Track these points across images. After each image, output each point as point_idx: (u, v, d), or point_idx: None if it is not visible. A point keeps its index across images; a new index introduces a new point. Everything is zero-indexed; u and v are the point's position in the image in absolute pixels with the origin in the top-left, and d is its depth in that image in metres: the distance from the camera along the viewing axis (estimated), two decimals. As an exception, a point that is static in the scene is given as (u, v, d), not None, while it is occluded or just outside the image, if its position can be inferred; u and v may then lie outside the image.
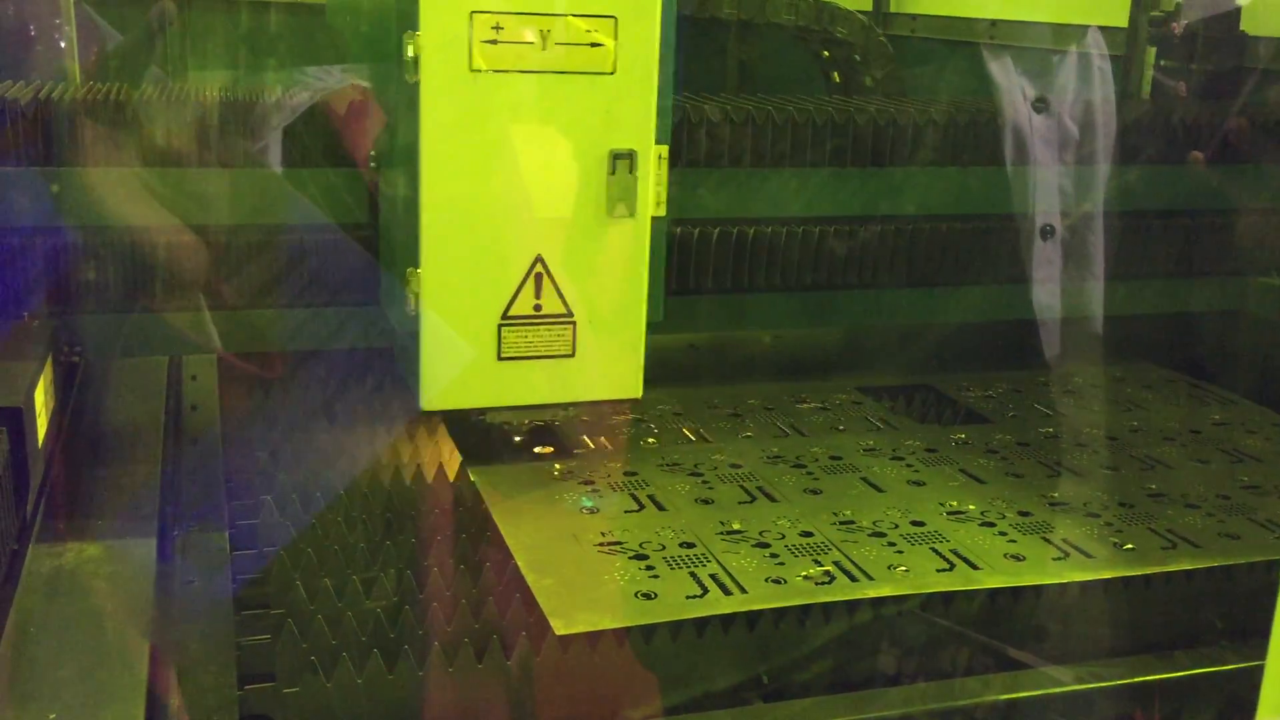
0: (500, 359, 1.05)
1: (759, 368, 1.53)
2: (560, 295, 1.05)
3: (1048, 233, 1.35)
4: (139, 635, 0.87)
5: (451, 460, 1.20)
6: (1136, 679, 0.96)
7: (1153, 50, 1.61)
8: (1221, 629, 1.03)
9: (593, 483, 1.15)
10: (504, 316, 1.05)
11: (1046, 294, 1.39)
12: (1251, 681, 0.98)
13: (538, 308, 1.05)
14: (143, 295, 1.18)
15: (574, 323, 1.06)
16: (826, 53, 1.66)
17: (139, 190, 1.14)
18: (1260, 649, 0.99)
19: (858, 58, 1.63)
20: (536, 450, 1.21)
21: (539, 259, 1.04)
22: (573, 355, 1.07)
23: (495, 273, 1.04)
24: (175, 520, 1.10)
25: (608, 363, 1.08)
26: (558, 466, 1.18)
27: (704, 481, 1.16)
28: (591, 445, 1.24)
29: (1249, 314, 1.57)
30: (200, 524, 1.09)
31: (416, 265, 1.02)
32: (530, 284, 1.04)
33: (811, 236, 1.34)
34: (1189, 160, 1.46)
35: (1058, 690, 0.94)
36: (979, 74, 1.42)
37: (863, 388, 1.48)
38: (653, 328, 1.11)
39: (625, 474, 1.17)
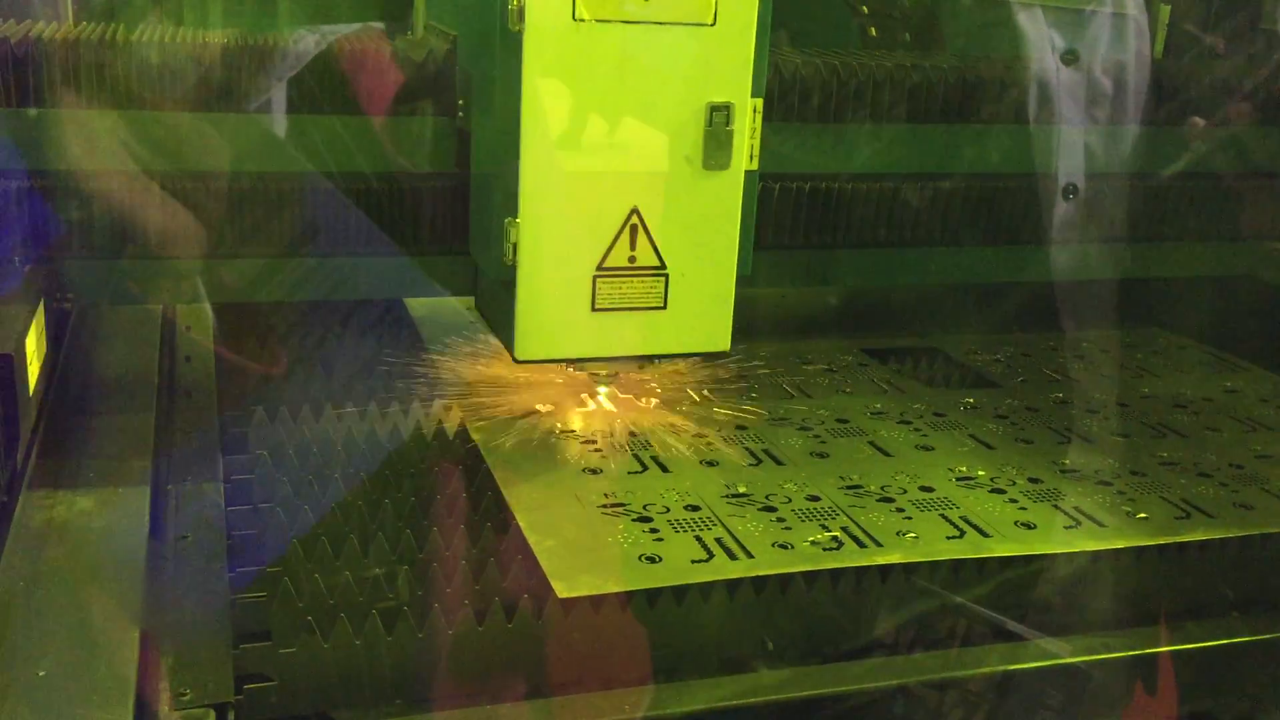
0: (594, 310, 1.04)
1: (760, 328, 1.50)
2: (654, 248, 1.04)
3: (1070, 192, 1.32)
4: (131, 591, 0.85)
5: (452, 417, 1.18)
6: (1146, 650, 0.95)
7: (1167, 9, 1.57)
8: (1233, 600, 1.01)
9: (595, 442, 1.13)
10: (599, 268, 1.03)
11: (1065, 255, 1.36)
12: (1263, 653, 0.97)
13: (632, 259, 1.04)
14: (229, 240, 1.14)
15: (667, 275, 1.05)
16: (865, 7, 1.62)
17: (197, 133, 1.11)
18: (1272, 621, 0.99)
19: (895, 15, 1.58)
20: (538, 407, 1.19)
21: (635, 211, 1.03)
22: (664, 308, 1.06)
23: (592, 224, 1.03)
24: (169, 472, 1.08)
25: (697, 316, 1.07)
26: (559, 424, 1.15)
27: (709, 443, 1.14)
28: (593, 404, 1.22)
29: (1258, 279, 1.54)
30: (194, 477, 1.07)
31: (514, 215, 1.01)
32: (625, 236, 1.03)
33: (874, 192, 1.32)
34: (1194, 123, 1.43)
35: (1066, 661, 0.92)
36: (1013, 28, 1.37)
37: (868, 349, 1.46)
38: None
39: (628, 434, 1.15)
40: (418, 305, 1.46)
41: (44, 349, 1.13)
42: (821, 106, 1.28)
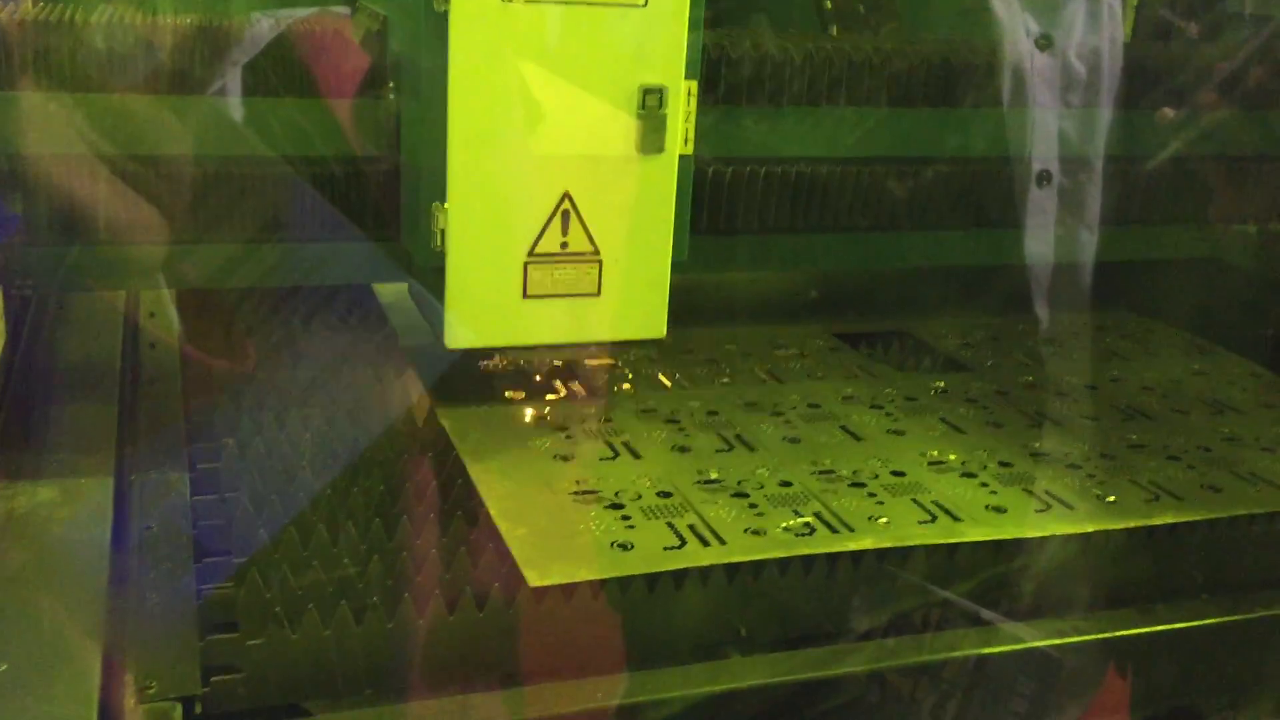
0: (525, 297, 1.03)
1: (737, 311, 1.50)
2: (587, 233, 1.03)
3: (1044, 179, 1.32)
4: (94, 584, 0.84)
5: (420, 403, 1.17)
6: (1117, 633, 0.95)
7: (1135, -8, 1.57)
8: (1202, 582, 1.02)
9: (566, 428, 1.12)
10: (530, 254, 1.02)
11: (1039, 240, 1.36)
12: (1232, 636, 0.98)
13: (564, 245, 1.03)
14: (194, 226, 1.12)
15: (600, 261, 1.04)
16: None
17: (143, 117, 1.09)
18: (1241, 603, 1.00)
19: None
20: (508, 394, 1.18)
21: (566, 195, 1.02)
22: (598, 294, 1.05)
23: (522, 209, 1.02)
24: (133, 462, 1.06)
25: (632, 302, 1.06)
26: (530, 411, 1.15)
27: (681, 429, 1.13)
28: (563, 390, 1.21)
29: (1224, 262, 1.55)
30: (159, 467, 1.05)
31: (442, 200, 0.99)
32: (557, 221, 1.02)
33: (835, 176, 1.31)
34: (1163, 114, 1.43)
35: (1037, 644, 0.93)
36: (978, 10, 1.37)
37: (839, 334, 1.45)
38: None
39: (600, 420, 1.14)
40: (386, 291, 1.45)
41: (3, 337, 1.11)
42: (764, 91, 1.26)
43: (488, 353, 1.19)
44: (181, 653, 0.80)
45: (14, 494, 0.96)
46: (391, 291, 1.42)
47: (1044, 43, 1.27)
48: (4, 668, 0.75)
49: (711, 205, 1.24)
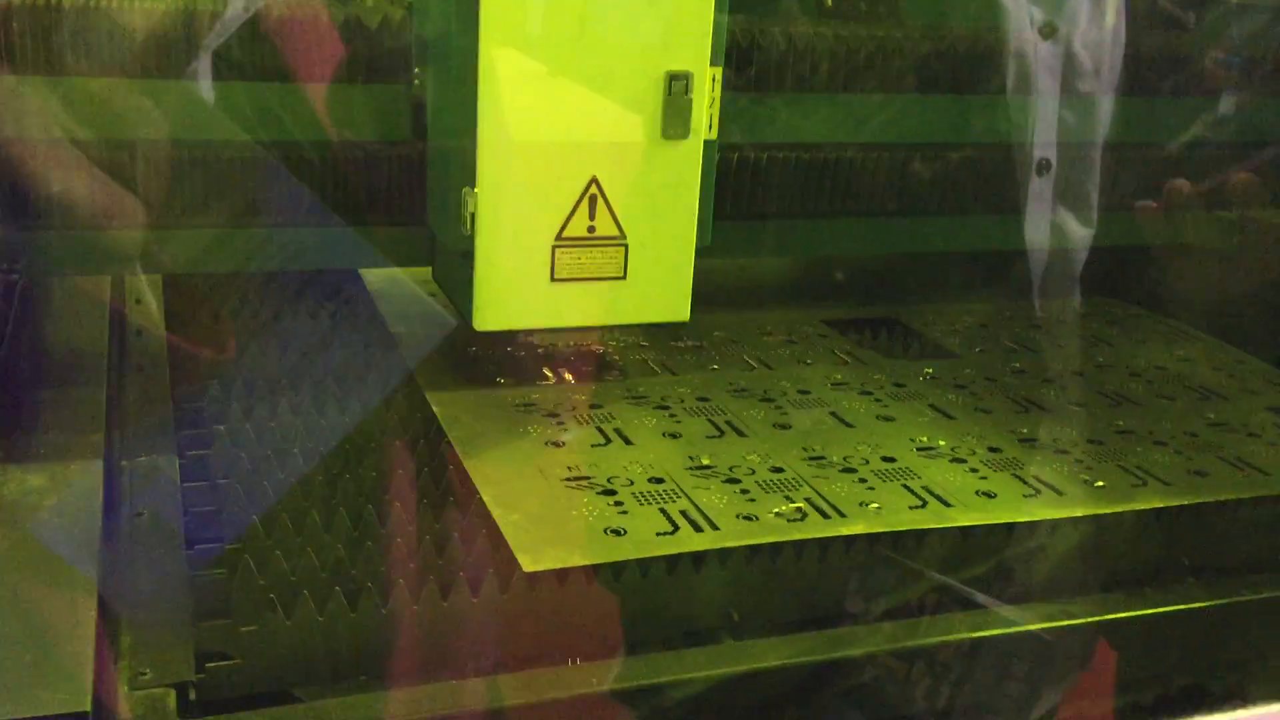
0: (553, 280, 1.04)
1: (724, 297, 1.50)
2: (614, 217, 1.04)
3: (1044, 167, 1.33)
4: (86, 570, 0.84)
5: (411, 387, 1.16)
6: (1106, 616, 0.96)
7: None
8: (1189, 566, 1.03)
9: (557, 415, 1.12)
10: (558, 238, 1.03)
11: (1032, 227, 1.37)
12: (1219, 619, 0.99)
13: (591, 229, 1.04)
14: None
15: (626, 245, 1.05)
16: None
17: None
18: (1228, 586, 1.00)
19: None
20: (499, 381, 1.18)
21: (594, 180, 1.03)
22: (624, 278, 1.06)
23: (550, 194, 1.03)
24: (123, 448, 1.06)
25: (657, 286, 1.08)
26: (520, 397, 1.15)
27: (671, 415, 1.14)
28: (552, 376, 1.21)
29: (1203, 248, 1.56)
30: (149, 453, 1.05)
31: (472, 185, 1.00)
32: (585, 205, 1.03)
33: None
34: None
35: (1027, 628, 0.93)
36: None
37: (828, 320, 1.46)
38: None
39: (590, 406, 1.14)
40: (374, 278, 1.44)
41: (-11, 322, 1.10)
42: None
43: (476, 339, 1.19)
44: (175, 639, 0.80)
45: (4, 479, 0.95)
46: (380, 277, 1.42)
47: (1048, 31, 1.27)
48: (-4, 655, 0.75)
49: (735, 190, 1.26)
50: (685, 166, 1.06)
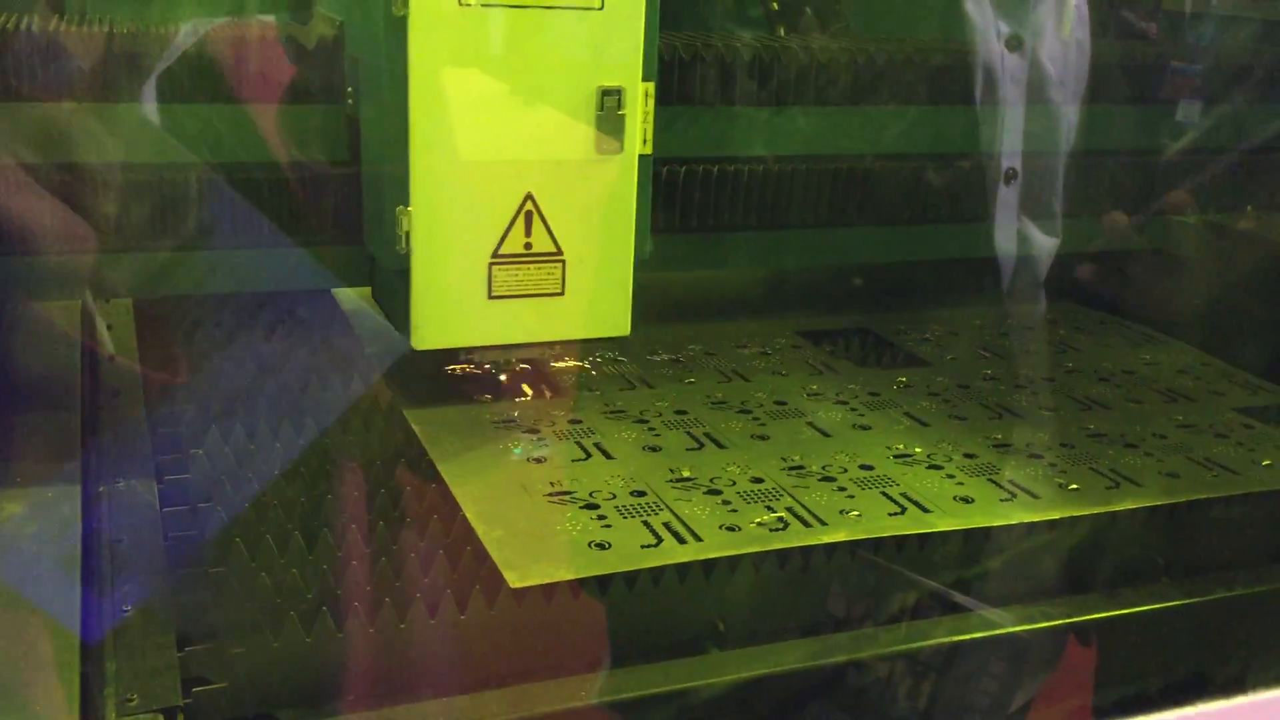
0: (491, 297, 1.04)
1: (698, 310, 1.51)
2: (550, 233, 1.04)
3: (1011, 176, 1.35)
4: (69, 598, 0.83)
5: (389, 406, 1.16)
6: (1083, 617, 0.97)
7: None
8: (1164, 565, 1.05)
9: (537, 430, 1.12)
10: (495, 255, 1.03)
11: (999, 234, 1.39)
12: (1194, 618, 1.01)
13: (528, 246, 1.04)
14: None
15: (564, 261, 1.05)
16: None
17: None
18: (1203, 585, 1.02)
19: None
20: (476, 398, 1.18)
21: (529, 197, 1.03)
22: (562, 293, 1.06)
23: (486, 211, 1.03)
24: (100, 473, 1.05)
25: (596, 301, 1.08)
26: (499, 414, 1.15)
27: (650, 429, 1.14)
28: (530, 392, 1.22)
29: (1169, 253, 1.59)
30: (126, 478, 1.04)
31: (406, 203, 1.00)
32: (520, 222, 1.03)
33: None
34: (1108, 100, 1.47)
35: (1004, 631, 0.95)
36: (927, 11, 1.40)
37: (801, 331, 1.47)
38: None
39: (570, 421, 1.15)
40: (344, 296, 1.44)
41: (-39, 350, 1.09)
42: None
43: (455, 357, 1.19)
44: (161, 664, 0.80)
45: (-20, 509, 0.94)
46: (354, 296, 1.41)
47: (1014, 43, 1.30)
48: (-22, 686, 0.74)
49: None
50: (620, 181, 1.06)
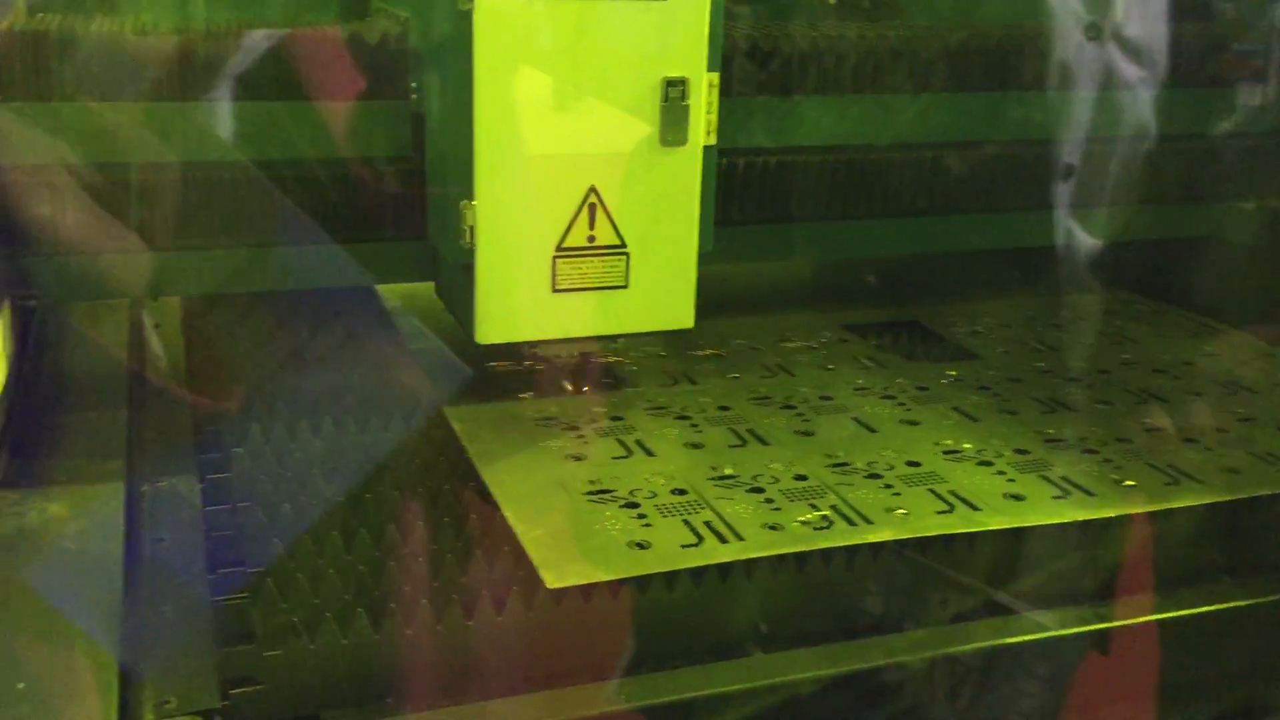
0: (555, 291, 1.04)
1: (735, 305, 1.50)
2: (614, 226, 1.04)
3: (1069, 172, 1.32)
4: (109, 599, 0.83)
5: (430, 405, 1.16)
6: (1141, 618, 0.94)
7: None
8: (1224, 565, 1.01)
9: (577, 427, 1.11)
10: (559, 248, 1.03)
11: (1043, 221, 1.36)
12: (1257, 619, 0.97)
13: (592, 239, 1.04)
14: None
15: (627, 254, 1.05)
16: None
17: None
18: (1267, 585, 0.99)
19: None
20: (520, 396, 1.17)
21: (593, 189, 1.02)
22: (626, 286, 1.06)
23: (550, 204, 1.03)
24: (143, 472, 1.05)
25: (659, 294, 1.08)
26: (538, 411, 1.14)
27: (692, 425, 1.13)
28: (571, 388, 1.21)
29: (1226, 240, 1.54)
30: (169, 476, 1.04)
31: (471, 198, 1.00)
32: (584, 215, 1.03)
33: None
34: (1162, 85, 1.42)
35: (1059, 633, 0.92)
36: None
37: (847, 325, 1.45)
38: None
39: (610, 418, 1.13)
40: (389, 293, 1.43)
41: (9, 348, 1.10)
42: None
43: (495, 354, 1.18)
44: (199, 666, 0.80)
45: (25, 509, 0.95)
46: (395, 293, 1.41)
47: (1093, 33, 1.26)
48: (22, 685, 0.74)
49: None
50: (684, 173, 1.05)
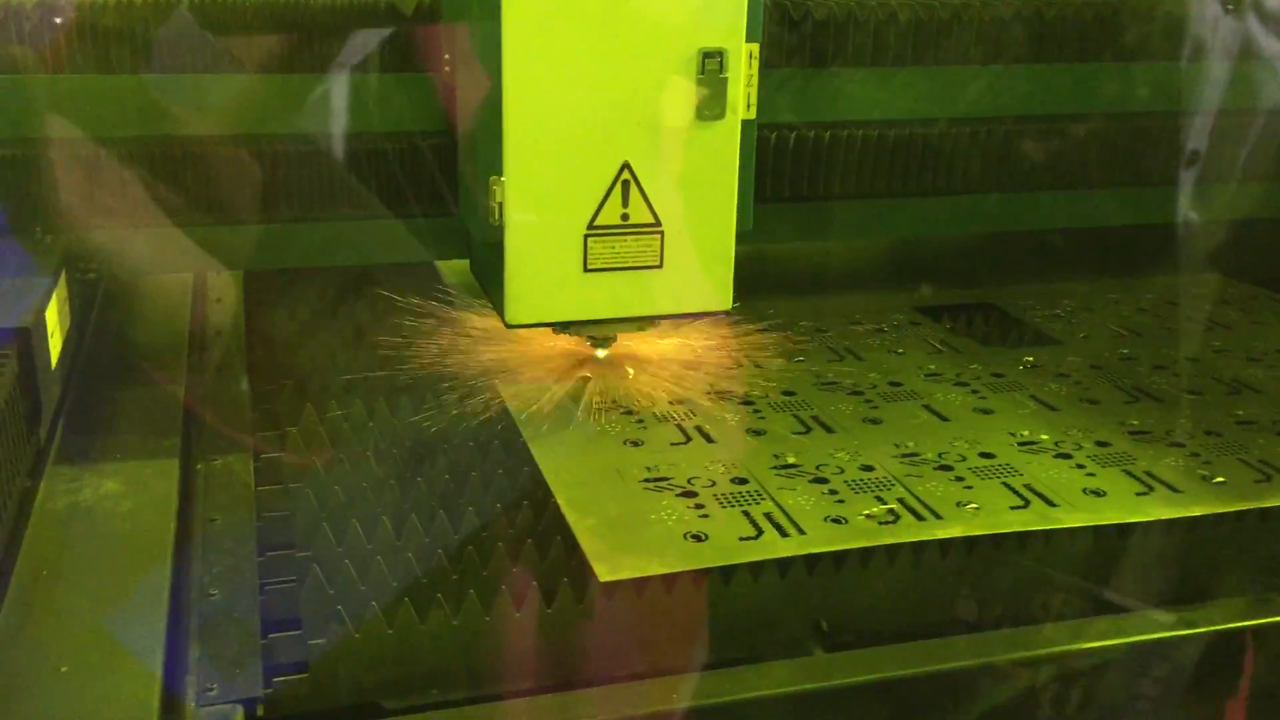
0: (586, 270, 1.01)
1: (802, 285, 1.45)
2: (648, 203, 1.00)
3: (1193, 159, 1.26)
4: (157, 581, 0.82)
5: (487, 389, 1.13)
6: (1230, 624, 0.89)
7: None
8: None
9: (634, 412, 1.08)
10: (590, 226, 1.00)
11: (1129, 199, 1.29)
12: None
13: (625, 217, 1.00)
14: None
15: (662, 232, 1.01)
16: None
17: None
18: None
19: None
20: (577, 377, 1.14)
21: (626, 165, 0.99)
22: (660, 266, 1.02)
23: (581, 181, 0.99)
24: (198, 450, 1.04)
25: (696, 274, 1.04)
26: (597, 395, 1.11)
27: (755, 410, 1.09)
28: (632, 372, 1.17)
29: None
30: (224, 454, 1.03)
31: (499, 173, 0.97)
32: (617, 192, 0.99)
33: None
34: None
35: (1144, 637, 0.87)
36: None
37: (920, 307, 1.39)
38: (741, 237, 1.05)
39: (670, 402, 1.10)
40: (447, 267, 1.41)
41: (67, 322, 1.10)
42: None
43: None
44: (243, 652, 0.78)
45: (80, 486, 0.95)
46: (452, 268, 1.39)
47: (1231, 5, 1.19)
48: (65, 669, 0.73)
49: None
50: (722, 148, 1.01)
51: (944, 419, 1.08)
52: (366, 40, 1.11)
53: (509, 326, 1.02)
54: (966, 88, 1.27)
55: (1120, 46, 1.31)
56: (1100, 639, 0.85)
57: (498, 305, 1.03)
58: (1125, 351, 1.26)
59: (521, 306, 1.01)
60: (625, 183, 0.99)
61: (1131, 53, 1.31)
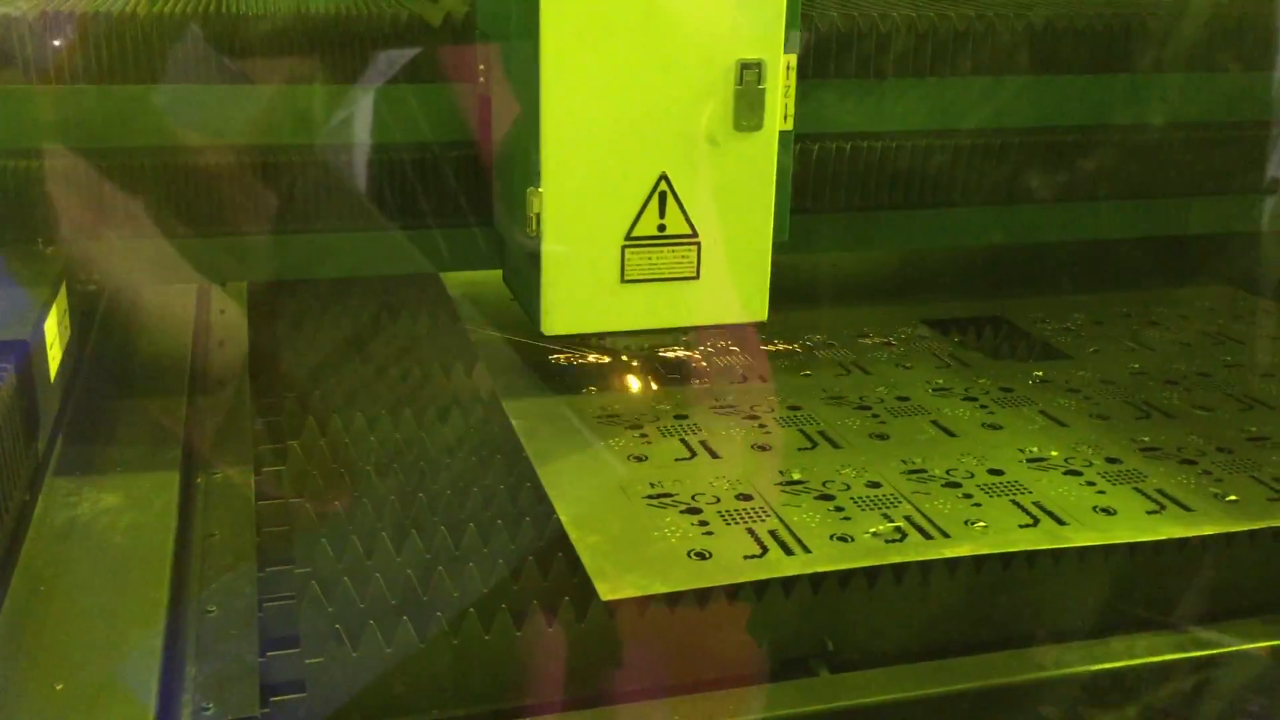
0: (623, 281, 1.01)
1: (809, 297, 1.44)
2: (685, 215, 1.01)
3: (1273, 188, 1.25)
4: (154, 597, 0.81)
5: (488, 399, 1.12)
6: (1243, 646, 0.87)
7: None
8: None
9: (639, 426, 1.07)
10: (627, 237, 1.00)
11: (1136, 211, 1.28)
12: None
13: (662, 228, 1.01)
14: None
15: (699, 243, 1.02)
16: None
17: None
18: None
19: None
20: (580, 390, 1.13)
21: (663, 177, 1.00)
22: (697, 277, 1.02)
23: (618, 192, 1.00)
24: (198, 464, 1.03)
25: (732, 285, 1.04)
26: (601, 407, 1.10)
27: (760, 425, 1.08)
28: (637, 384, 1.16)
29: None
30: (224, 468, 1.02)
31: (537, 184, 0.97)
32: (654, 203, 1.00)
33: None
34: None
35: (1154, 659, 0.85)
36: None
37: (928, 320, 1.38)
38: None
39: (675, 417, 1.09)
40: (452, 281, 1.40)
41: (67, 334, 1.09)
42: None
43: (558, 346, 1.15)
44: (239, 671, 0.77)
45: (79, 500, 0.94)
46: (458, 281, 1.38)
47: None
48: (60, 686, 0.72)
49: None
50: (759, 159, 1.01)
51: (952, 434, 1.07)
52: (395, 54, 1.10)
53: (545, 336, 1.02)
54: (975, 101, 1.26)
55: (1129, 59, 1.30)
56: (1106, 662, 0.84)
57: (533, 314, 1.03)
58: (1136, 366, 1.25)
59: (558, 316, 1.02)
60: (663, 194, 1.00)
61: (1143, 65, 1.30)
